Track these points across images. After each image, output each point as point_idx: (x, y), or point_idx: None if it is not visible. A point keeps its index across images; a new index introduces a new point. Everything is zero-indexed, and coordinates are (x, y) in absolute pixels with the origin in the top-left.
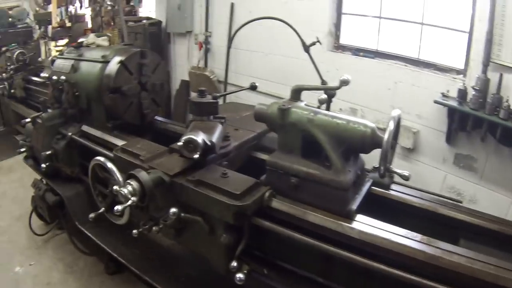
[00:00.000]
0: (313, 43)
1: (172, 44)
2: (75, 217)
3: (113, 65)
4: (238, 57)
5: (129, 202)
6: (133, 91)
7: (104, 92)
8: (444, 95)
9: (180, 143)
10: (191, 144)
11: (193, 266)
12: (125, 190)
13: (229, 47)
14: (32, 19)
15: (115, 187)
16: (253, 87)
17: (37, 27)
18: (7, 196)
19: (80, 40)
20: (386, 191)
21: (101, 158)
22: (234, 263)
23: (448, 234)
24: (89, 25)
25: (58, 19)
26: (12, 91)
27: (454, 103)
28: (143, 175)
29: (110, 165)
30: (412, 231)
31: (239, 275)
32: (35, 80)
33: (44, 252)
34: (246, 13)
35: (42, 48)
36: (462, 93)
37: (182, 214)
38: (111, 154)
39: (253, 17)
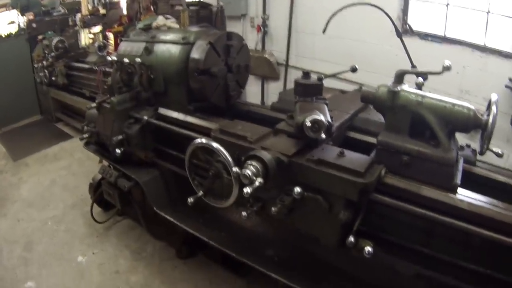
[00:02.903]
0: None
1: (226, 28)
2: (153, 202)
3: (201, 46)
4: (300, 40)
5: (257, 184)
6: (221, 73)
7: (192, 74)
8: (511, 80)
9: (307, 124)
10: (316, 125)
11: (281, 247)
12: (249, 172)
13: (289, 30)
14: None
15: (235, 169)
16: (353, 69)
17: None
18: (57, 184)
19: (145, 23)
20: (473, 167)
21: (204, 140)
22: (352, 239)
23: None
24: (125, 12)
25: (90, 7)
26: (53, 78)
27: None
28: (266, 155)
29: (217, 146)
30: None
31: (368, 248)
32: (78, 66)
33: (106, 239)
34: None
35: (82, 35)
36: None
37: (306, 193)
38: (199, 136)
39: (316, 1)
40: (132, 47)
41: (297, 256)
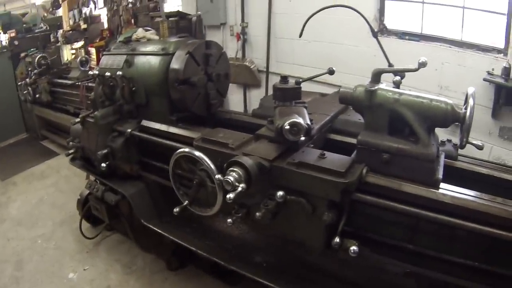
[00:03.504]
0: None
1: (206, 37)
2: (140, 214)
3: (180, 57)
4: (279, 46)
5: (239, 189)
6: (201, 82)
7: (172, 85)
8: (489, 73)
9: (286, 127)
10: (295, 128)
11: (269, 253)
12: (231, 178)
13: (268, 37)
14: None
15: (217, 176)
16: (331, 72)
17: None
18: (45, 202)
19: (125, 35)
20: (455, 161)
21: (187, 149)
22: (337, 239)
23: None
24: (106, 26)
25: (71, 22)
26: (37, 95)
27: (500, 80)
28: (247, 160)
29: (200, 155)
30: None
31: (353, 248)
32: (61, 83)
33: (96, 255)
34: (286, 2)
35: (65, 51)
36: (507, 71)
37: (288, 197)
38: (182, 146)
39: (293, 7)
40: (113, 60)
41: (286, 261)
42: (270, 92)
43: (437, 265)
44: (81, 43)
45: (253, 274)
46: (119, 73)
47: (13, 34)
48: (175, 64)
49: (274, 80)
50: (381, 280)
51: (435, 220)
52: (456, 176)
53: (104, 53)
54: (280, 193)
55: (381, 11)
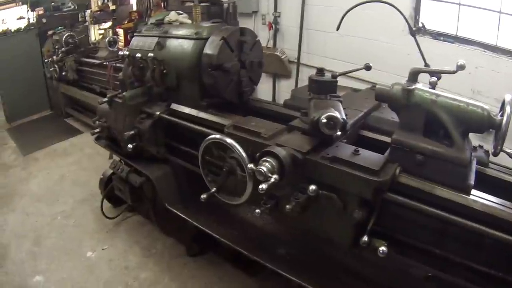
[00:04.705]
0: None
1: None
2: (164, 198)
3: (214, 42)
4: (311, 38)
5: (272, 180)
6: (235, 69)
7: (205, 70)
8: None
9: (323, 120)
10: (332, 121)
11: (293, 246)
12: (264, 168)
13: (301, 27)
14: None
15: (250, 166)
16: (367, 68)
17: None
18: (67, 179)
19: (157, 18)
20: (486, 168)
21: (218, 136)
22: (366, 238)
23: None
24: (134, 8)
25: (100, 3)
26: (63, 73)
27: None
28: (281, 151)
29: (231, 142)
30: None
31: (382, 248)
32: (88, 62)
33: (116, 235)
34: None
35: (92, 31)
36: None
37: (320, 191)
38: (212, 132)
39: None
40: (144, 42)
41: (309, 256)
42: (300, 83)
43: (460, 272)
44: (109, 23)
45: (276, 266)
46: (151, 55)
47: (41, 12)
48: (209, 49)
49: (305, 71)
50: (402, 281)
51: (464, 226)
52: (486, 183)
53: (135, 34)
54: (312, 187)
55: (417, 9)
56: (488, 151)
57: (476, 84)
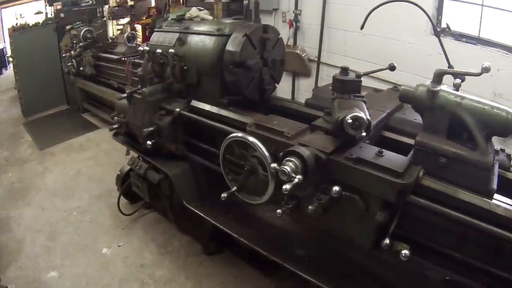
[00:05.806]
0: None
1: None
2: (182, 195)
3: (236, 39)
4: (332, 37)
5: (296, 181)
6: (257, 66)
7: (227, 67)
8: None
9: (348, 121)
10: (357, 122)
11: (311, 247)
12: (287, 168)
13: (322, 26)
14: None
15: (273, 165)
16: (392, 68)
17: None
18: (83, 174)
19: (178, 13)
20: (508, 172)
21: (240, 134)
22: (387, 241)
23: None
24: (153, 4)
25: None
26: (81, 68)
27: None
28: (305, 151)
29: (254, 140)
30: None
31: (405, 252)
32: (106, 57)
33: (132, 232)
34: None
35: (110, 27)
36: None
37: (343, 192)
38: (233, 130)
39: None
40: (164, 37)
41: (328, 257)
42: (321, 82)
43: (479, 277)
44: (127, 19)
45: (295, 267)
46: (171, 50)
47: (59, 7)
48: (231, 46)
49: (325, 70)
50: (420, 284)
51: (486, 230)
52: (508, 187)
53: (155, 29)
54: (336, 188)
55: (439, 10)
56: (510, 155)
57: (497, 87)
